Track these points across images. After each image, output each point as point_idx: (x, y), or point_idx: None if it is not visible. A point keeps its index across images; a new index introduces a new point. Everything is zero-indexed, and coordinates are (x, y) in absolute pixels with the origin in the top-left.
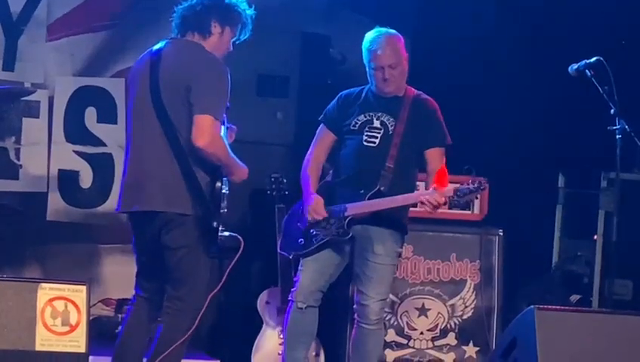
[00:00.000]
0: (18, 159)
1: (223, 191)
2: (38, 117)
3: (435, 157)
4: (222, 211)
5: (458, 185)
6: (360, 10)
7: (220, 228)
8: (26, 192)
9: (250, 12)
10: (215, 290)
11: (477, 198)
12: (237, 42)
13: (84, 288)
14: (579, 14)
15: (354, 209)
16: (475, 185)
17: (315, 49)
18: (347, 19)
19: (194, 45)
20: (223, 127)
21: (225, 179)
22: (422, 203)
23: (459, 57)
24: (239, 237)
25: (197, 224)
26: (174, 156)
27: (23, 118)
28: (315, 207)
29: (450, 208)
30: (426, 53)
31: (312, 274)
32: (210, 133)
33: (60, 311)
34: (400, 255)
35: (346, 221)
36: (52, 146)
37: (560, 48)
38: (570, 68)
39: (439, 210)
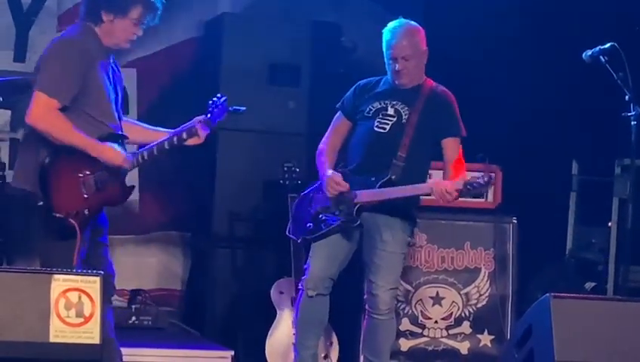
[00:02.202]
0: None
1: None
2: None
3: (451, 147)
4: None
5: (468, 179)
6: None
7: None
8: None
9: None
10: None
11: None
12: (145, 28)
13: (98, 279)
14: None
15: (364, 196)
16: (485, 180)
17: (326, 37)
18: (357, 6)
19: (68, 28)
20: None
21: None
22: (433, 192)
23: (470, 44)
24: (72, 221)
25: (37, 207)
26: (27, 134)
27: None
28: (335, 179)
29: (461, 196)
30: (437, 40)
31: (322, 261)
32: (38, 109)
33: (73, 303)
34: (409, 244)
35: (356, 208)
36: None
37: (574, 34)
38: (584, 54)
39: (451, 200)
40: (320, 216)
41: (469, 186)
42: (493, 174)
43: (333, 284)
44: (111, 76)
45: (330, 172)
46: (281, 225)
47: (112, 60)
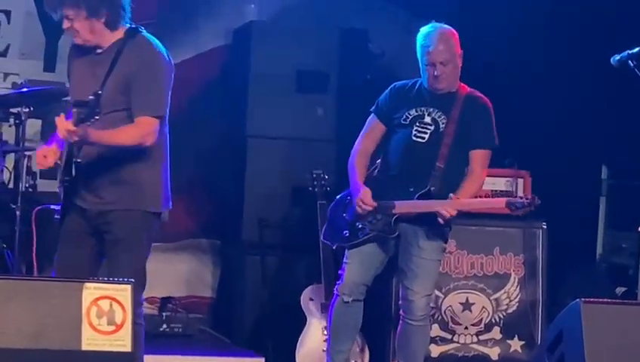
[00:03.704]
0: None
1: None
2: None
3: (476, 159)
4: None
5: (510, 198)
6: (397, 2)
7: None
8: None
9: None
10: None
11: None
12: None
13: (128, 287)
14: (621, 3)
15: (402, 207)
16: (529, 200)
17: (353, 44)
18: (384, 12)
19: None
20: None
21: None
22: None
23: (499, 48)
24: None
25: None
26: None
27: None
28: (364, 199)
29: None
30: (466, 45)
31: (358, 267)
32: None
33: (105, 311)
34: (445, 250)
35: (393, 218)
36: None
37: (603, 38)
38: (612, 59)
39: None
40: (357, 224)
41: (511, 206)
42: (538, 201)
43: (367, 290)
44: (97, 67)
45: (360, 189)
46: (310, 232)
47: (102, 51)
